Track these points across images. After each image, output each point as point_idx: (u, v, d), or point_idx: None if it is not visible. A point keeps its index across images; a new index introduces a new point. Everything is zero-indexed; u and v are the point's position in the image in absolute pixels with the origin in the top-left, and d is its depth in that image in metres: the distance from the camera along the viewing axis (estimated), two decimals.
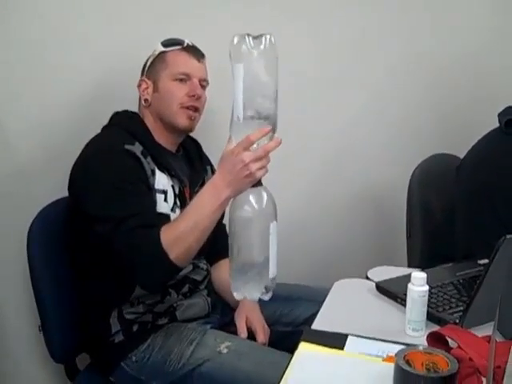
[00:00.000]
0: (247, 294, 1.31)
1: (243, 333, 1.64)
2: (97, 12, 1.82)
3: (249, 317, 1.67)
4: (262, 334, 1.65)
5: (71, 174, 1.58)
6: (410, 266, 1.88)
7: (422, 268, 1.55)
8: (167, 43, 1.65)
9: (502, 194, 1.63)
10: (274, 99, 1.25)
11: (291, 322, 1.75)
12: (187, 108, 1.62)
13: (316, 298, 1.65)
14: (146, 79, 1.67)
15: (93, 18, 1.82)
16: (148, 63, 1.68)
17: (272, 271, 1.29)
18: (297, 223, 2.11)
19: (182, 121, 1.62)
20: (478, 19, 2.20)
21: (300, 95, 2.07)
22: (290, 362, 1.16)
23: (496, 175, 1.65)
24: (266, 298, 1.32)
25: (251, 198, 1.29)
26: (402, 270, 1.58)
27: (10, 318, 1.82)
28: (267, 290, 1.31)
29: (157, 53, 1.66)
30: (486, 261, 1.42)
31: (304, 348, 1.20)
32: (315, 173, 2.21)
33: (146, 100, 1.66)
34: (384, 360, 1.16)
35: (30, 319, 1.69)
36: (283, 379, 1.10)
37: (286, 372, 1.12)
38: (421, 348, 1.07)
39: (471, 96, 2.23)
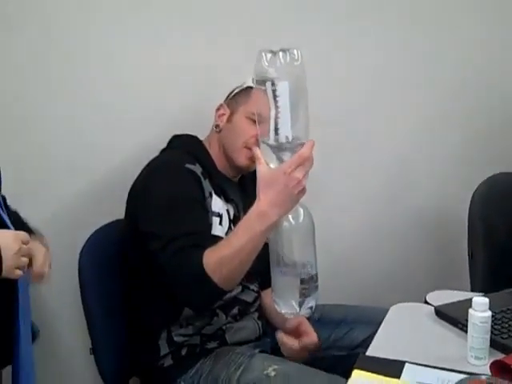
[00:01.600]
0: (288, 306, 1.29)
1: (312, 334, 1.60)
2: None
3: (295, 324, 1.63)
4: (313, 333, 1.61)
5: (129, 192, 1.59)
6: (473, 289, 1.79)
7: (486, 292, 1.48)
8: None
9: None
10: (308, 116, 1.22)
11: (346, 346, 1.69)
12: (251, 149, 1.57)
13: (372, 320, 1.60)
14: (225, 106, 1.66)
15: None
16: (234, 92, 1.67)
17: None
18: (353, 244, 2.06)
19: (241, 160, 1.60)
20: None
21: (358, 106, 2.03)
22: None
23: None
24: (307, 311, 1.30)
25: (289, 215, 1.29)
26: (463, 294, 1.51)
27: (62, 341, 1.83)
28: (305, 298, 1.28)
29: (245, 86, 1.64)
30: None
31: (357, 376, 1.15)
32: (374, 192, 2.15)
33: (217, 126, 1.65)
34: None
35: (82, 342, 1.68)
36: None
37: None
38: (483, 377, 1.01)
39: None
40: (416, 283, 2.02)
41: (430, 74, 2.11)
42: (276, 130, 1.21)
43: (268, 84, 1.19)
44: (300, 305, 1.27)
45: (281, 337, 1.62)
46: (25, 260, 1.24)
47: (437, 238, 2.20)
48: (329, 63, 1.97)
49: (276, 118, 1.20)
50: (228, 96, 1.68)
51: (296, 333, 1.62)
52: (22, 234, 1.25)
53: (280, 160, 1.25)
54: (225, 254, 1.34)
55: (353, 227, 2.09)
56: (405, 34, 2.07)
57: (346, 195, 2.08)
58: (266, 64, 1.18)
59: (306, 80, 1.20)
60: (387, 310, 1.51)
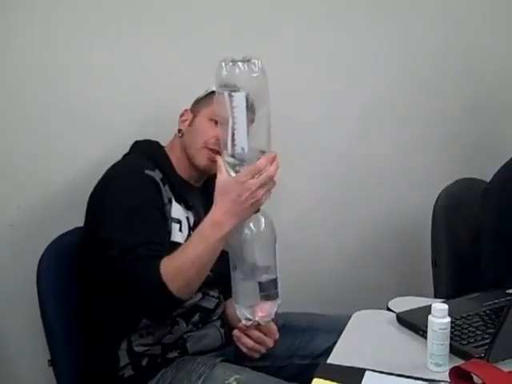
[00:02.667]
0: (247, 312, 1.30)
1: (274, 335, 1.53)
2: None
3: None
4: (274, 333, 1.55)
5: (89, 198, 1.57)
6: (436, 295, 1.81)
7: (448, 298, 1.49)
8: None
9: None
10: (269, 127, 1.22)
11: (309, 355, 1.67)
12: (211, 150, 1.57)
13: (335, 328, 1.58)
14: (189, 111, 1.66)
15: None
16: (199, 98, 1.67)
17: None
18: (315, 250, 2.05)
19: (201, 160, 1.59)
20: None
21: (307, 114, 2.03)
22: None
23: None
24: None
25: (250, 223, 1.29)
26: (426, 301, 1.51)
27: (19, 352, 1.79)
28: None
29: (209, 91, 1.63)
30: None
31: None
32: (335, 196, 2.15)
33: (179, 130, 1.65)
34: None
35: (39, 353, 1.65)
36: None
37: None
38: None
39: (495, 117, 2.17)
40: (379, 290, 2.02)
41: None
42: (233, 140, 1.20)
43: (226, 94, 1.19)
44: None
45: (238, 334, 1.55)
46: None
47: (400, 245, 2.21)
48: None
49: (233, 128, 1.19)
50: (194, 102, 1.68)
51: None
52: None
53: (237, 171, 1.25)
54: (181, 263, 1.33)
55: (314, 232, 2.08)
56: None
57: (308, 198, 2.08)
58: (225, 73, 1.18)
59: (268, 91, 1.20)
60: (349, 318, 1.50)
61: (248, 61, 1.17)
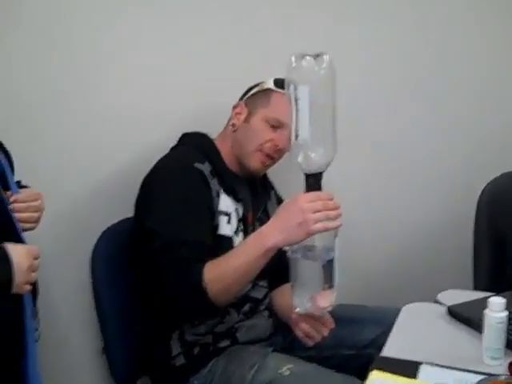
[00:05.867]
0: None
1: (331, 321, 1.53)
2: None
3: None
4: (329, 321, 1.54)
5: (139, 189, 1.59)
6: (475, 289, 1.80)
7: (489, 291, 1.49)
8: (279, 82, 1.57)
9: None
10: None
11: (354, 346, 1.68)
12: (265, 154, 1.59)
13: (380, 320, 1.62)
14: (243, 105, 1.64)
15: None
16: (252, 91, 1.65)
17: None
18: (361, 244, 2.06)
19: (253, 163, 1.60)
20: None
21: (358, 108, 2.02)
22: None
23: None
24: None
25: None
26: (473, 294, 1.52)
27: (73, 340, 1.82)
28: None
29: (264, 87, 1.62)
30: None
31: (375, 376, 1.15)
32: (382, 189, 2.14)
33: (233, 124, 1.64)
34: None
35: (93, 342, 1.69)
36: None
37: None
38: (503, 378, 1.02)
39: None
40: (420, 284, 2.03)
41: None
42: (296, 133, 1.21)
43: (291, 87, 1.20)
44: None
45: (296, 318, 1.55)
46: (34, 275, 1.24)
47: (443, 239, 2.19)
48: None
49: (296, 121, 1.21)
50: (245, 94, 1.67)
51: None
52: (34, 250, 1.25)
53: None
54: (223, 271, 1.36)
55: (360, 226, 2.08)
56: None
57: (357, 192, 2.08)
58: (293, 67, 1.19)
59: (333, 86, 1.21)
60: (395, 310, 1.51)
61: (318, 56, 1.19)
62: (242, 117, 1.63)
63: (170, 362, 1.54)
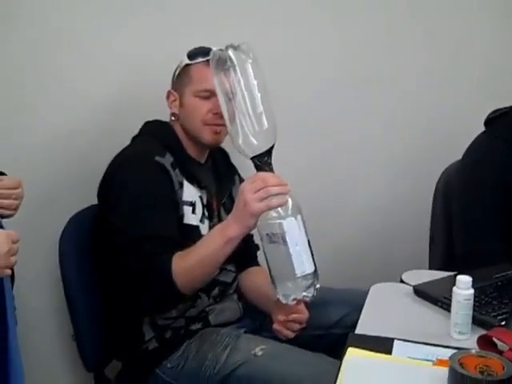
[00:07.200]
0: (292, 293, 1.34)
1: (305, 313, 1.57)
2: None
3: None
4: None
5: (101, 182, 1.59)
6: (430, 269, 1.87)
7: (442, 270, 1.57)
8: (192, 54, 1.60)
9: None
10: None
11: (322, 325, 1.72)
12: (211, 125, 1.59)
13: (345, 301, 1.66)
14: (173, 91, 1.64)
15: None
16: (175, 74, 1.65)
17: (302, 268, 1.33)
18: (324, 230, 2.09)
19: (206, 137, 1.60)
20: None
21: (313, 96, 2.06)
22: (340, 368, 1.14)
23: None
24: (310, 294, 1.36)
25: None
26: (435, 274, 1.58)
27: (43, 327, 1.81)
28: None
29: (183, 64, 1.62)
30: None
31: (352, 354, 1.18)
32: (342, 177, 2.19)
33: (173, 114, 1.64)
34: (435, 364, 1.15)
35: (63, 328, 1.67)
36: None
37: (339, 377, 1.11)
38: (474, 352, 1.06)
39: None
40: (383, 266, 2.07)
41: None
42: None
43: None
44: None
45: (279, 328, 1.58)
46: (13, 259, 1.22)
47: (402, 224, 2.25)
48: None
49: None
50: (172, 79, 1.67)
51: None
52: (13, 234, 1.23)
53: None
54: (189, 263, 1.40)
55: (322, 213, 2.11)
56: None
57: (310, 179, 2.11)
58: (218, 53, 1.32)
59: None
60: (359, 291, 1.56)
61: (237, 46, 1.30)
62: (177, 102, 1.63)
63: (143, 346, 1.54)
